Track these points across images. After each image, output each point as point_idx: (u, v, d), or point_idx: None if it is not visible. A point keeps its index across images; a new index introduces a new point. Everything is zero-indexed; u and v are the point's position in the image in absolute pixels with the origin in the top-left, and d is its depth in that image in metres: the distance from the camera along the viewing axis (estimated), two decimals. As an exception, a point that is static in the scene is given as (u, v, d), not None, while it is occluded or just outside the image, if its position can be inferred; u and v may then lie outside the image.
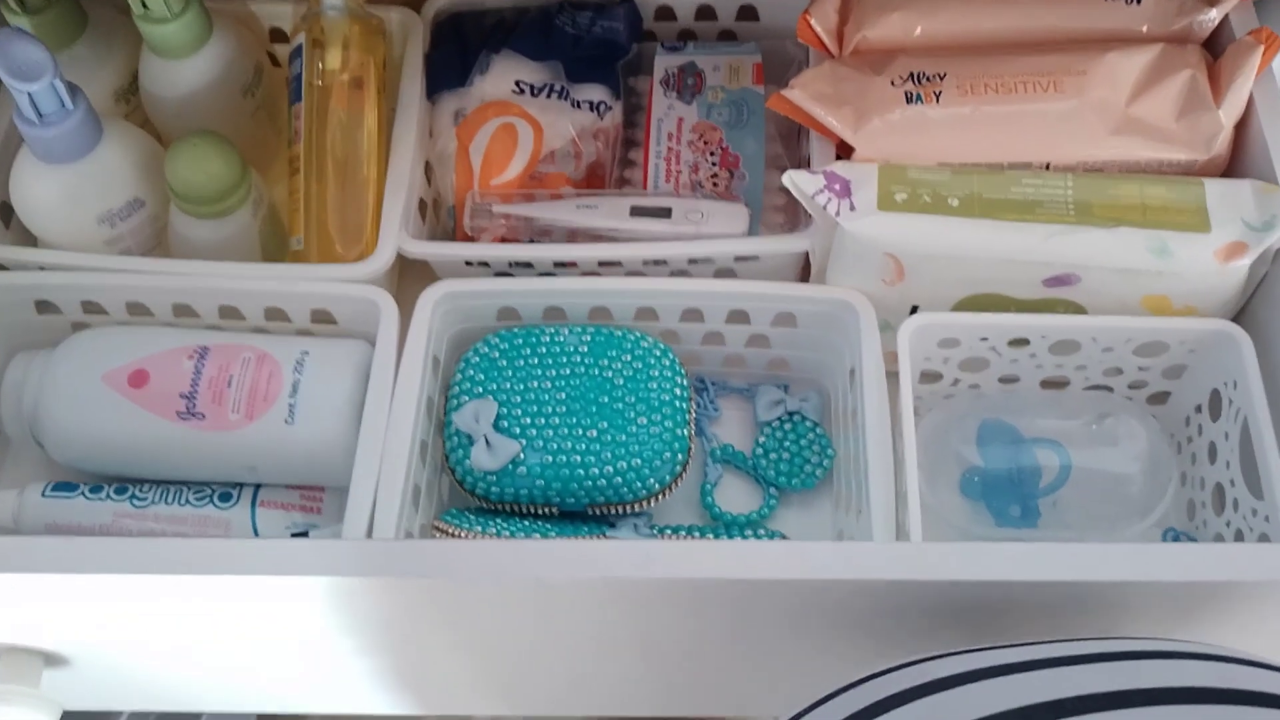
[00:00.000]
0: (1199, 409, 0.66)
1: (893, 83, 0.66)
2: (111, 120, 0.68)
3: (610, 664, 0.64)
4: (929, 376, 0.68)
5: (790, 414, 0.71)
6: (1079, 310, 0.64)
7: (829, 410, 0.71)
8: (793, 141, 0.75)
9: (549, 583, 0.47)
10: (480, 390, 0.66)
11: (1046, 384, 0.68)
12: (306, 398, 0.65)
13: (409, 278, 0.73)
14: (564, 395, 0.65)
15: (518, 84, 0.72)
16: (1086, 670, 0.39)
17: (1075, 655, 0.40)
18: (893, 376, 0.63)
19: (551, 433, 0.64)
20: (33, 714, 0.57)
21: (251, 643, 0.59)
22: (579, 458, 0.63)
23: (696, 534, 0.65)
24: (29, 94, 0.62)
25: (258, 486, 0.68)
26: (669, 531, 0.65)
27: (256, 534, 0.67)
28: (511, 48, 0.73)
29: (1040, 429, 0.66)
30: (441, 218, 0.74)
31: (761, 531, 0.66)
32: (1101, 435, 0.66)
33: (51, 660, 0.59)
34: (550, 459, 0.63)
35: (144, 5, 0.67)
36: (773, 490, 0.69)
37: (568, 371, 0.66)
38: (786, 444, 0.70)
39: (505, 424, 0.65)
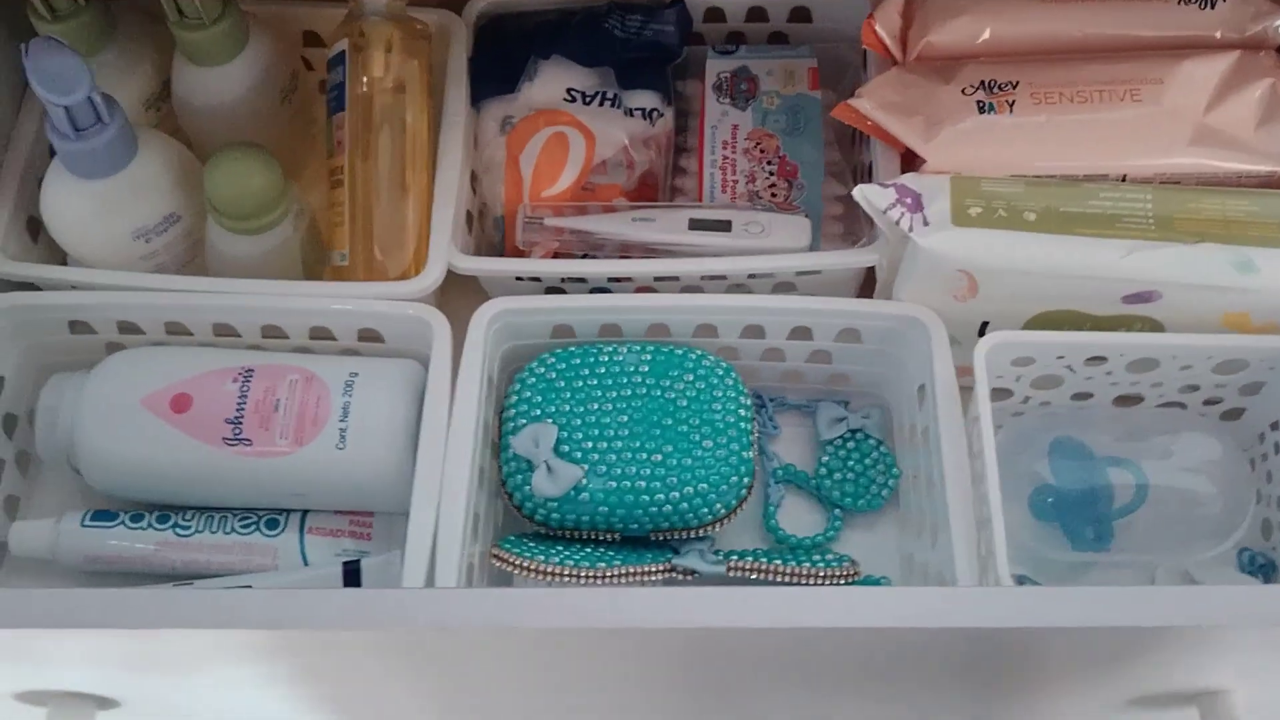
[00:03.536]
0: (1275, 425, 0.65)
1: (964, 91, 0.64)
2: (146, 131, 0.66)
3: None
4: (999, 393, 0.66)
5: (853, 432, 0.69)
6: (1156, 326, 0.63)
7: (890, 427, 0.69)
8: (849, 147, 0.73)
9: (644, 630, 0.45)
10: (538, 413, 0.63)
11: (1119, 401, 0.66)
12: (358, 422, 0.63)
13: (448, 292, 0.70)
14: (626, 418, 0.63)
15: (569, 91, 0.69)
16: None
17: None
18: (963, 389, 0.61)
19: (615, 457, 0.62)
20: (87, 762, 0.54)
21: (311, 679, 0.57)
22: (644, 483, 0.61)
23: (764, 559, 0.62)
24: (65, 108, 0.59)
25: (305, 512, 0.65)
26: (735, 557, 0.63)
27: (306, 562, 0.64)
28: (561, 53, 0.70)
29: (1113, 447, 0.65)
30: (487, 229, 0.72)
31: (830, 555, 0.64)
32: (1178, 454, 0.64)
33: (103, 703, 0.56)
34: (614, 485, 0.61)
35: (179, 11, 0.65)
36: (837, 512, 0.67)
37: (628, 393, 0.64)
38: (850, 463, 0.68)
39: (566, 448, 0.62)
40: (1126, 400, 0.66)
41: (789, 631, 0.45)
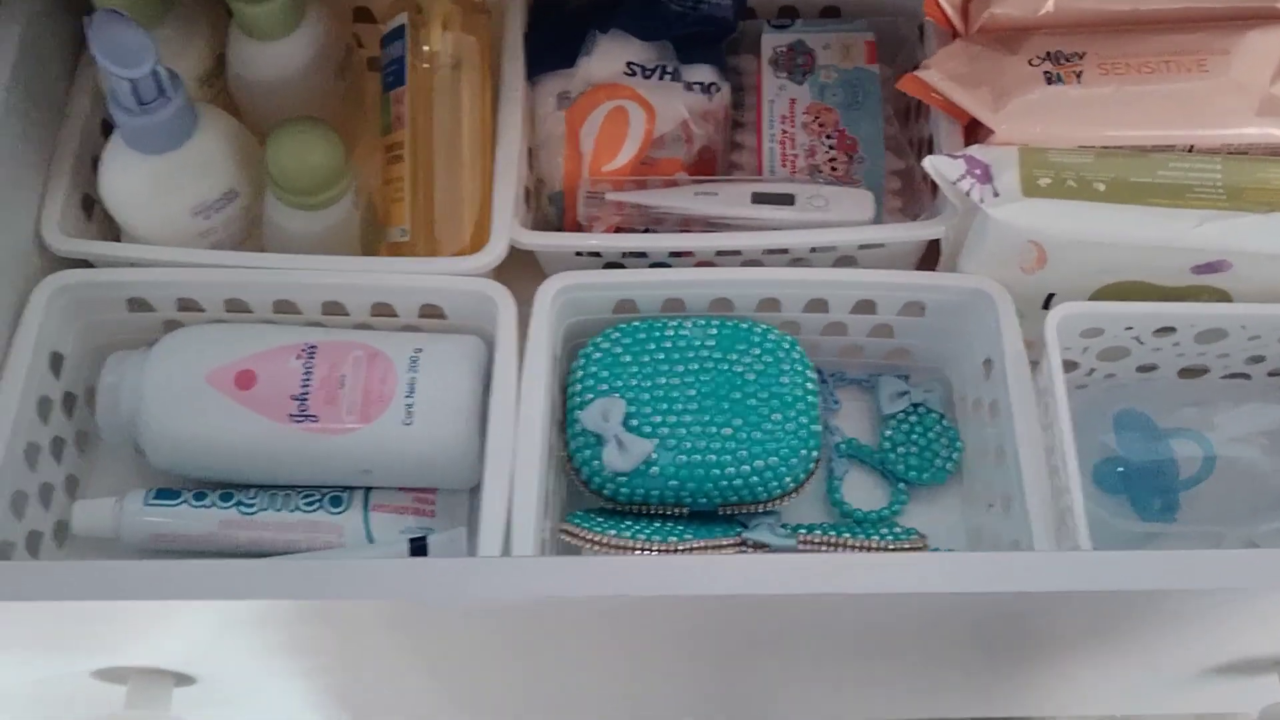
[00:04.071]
0: (1338, 396, 0.65)
1: (1030, 62, 0.63)
2: (205, 106, 0.65)
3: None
4: (1065, 366, 0.65)
5: (914, 406, 0.69)
6: (1224, 296, 0.63)
7: (951, 401, 0.69)
8: (905, 122, 0.72)
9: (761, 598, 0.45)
10: (605, 387, 0.63)
11: (1184, 373, 0.66)
12: (424, 397, 0.62)
13: (503, 268, 0.70)
14: (694, 391, 0.63)
15: (629, 65, 0.69)
16: None
17: None
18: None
19: (684, 431, 0.62)
20: (167, 739, 0.54)
21: (388, 657, 0.57)
22: (714, 457, 0.61)
23: (834, 533, 0.62)
24: (130, 81, 0.59)
25: (368, 490, 0.65)
26: (804, 530, 0.63)
27: (371, 539, 0.64)
28: (620, 27, 0.69)
29: (1178, 419, 0.65)
30: (542, 205, 0.71)
31: (897, 529, 0.64)
32: (1243, 425, 0.64)
33: (181, 679, 0.56)
34: (684, 459, 0.61)
35: (240, -15, 0.64)
36: (901, 485, 0.67)
37: (696, 366, 0.63)
38: (914, 437, 0.68)
39: (635, 422, 0.62)
40: (1191, 372, 0.66)
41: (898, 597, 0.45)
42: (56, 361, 0.65)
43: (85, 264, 0.66)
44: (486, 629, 0.50)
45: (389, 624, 0.48)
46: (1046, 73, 0.63)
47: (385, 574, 0.44)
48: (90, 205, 0.68)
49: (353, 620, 0.47)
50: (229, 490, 0.64)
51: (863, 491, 0.68)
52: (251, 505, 0.64)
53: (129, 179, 0.64)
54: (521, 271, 0.68)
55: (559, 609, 0.45)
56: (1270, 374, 0.66)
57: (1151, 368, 0.66)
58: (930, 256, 0.67)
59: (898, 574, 0.43)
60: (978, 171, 0.61)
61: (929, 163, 0.61)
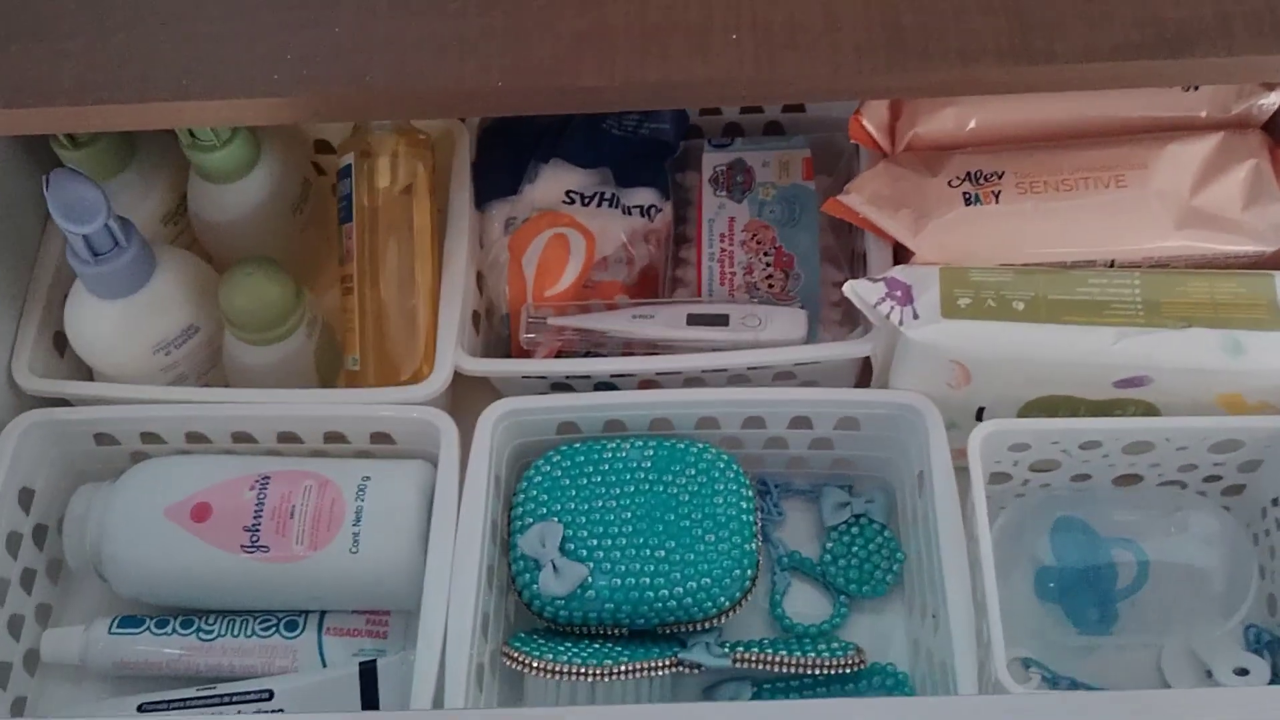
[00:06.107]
0: (1276, 501, 0.65)
1: (950, 183, 0.65)
2: (163, 248, 0.68)
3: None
4: (998, 477, 0.67)
5: (856, 517, 0.70)
6: (1151, 409, 0.63)
7: (894, 509, 0.70)
8: (844, 233, 0.74)
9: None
10: (544, 511, 0.65)
11: (1119, 480, 0.67)
12: (371, 525, 0.65)
13: (462, 386, 0.72)
14: (629, 514, 0.64)
15: (568, 194, 0.71)
16: None
17: None
18: (961, 472, 0.62)
19: (619, 554, 0.63)
20: None
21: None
22: (648, 579, 0.63)
23: (770, 650, 0.63)
24: (84, 236, 0.62)
25: (323, 613, 0.67)
26: (741, 648, 0.64)
27: (324, 663, 0.66)
28: (559, 156, 0.72)
29: (1115, 526, 0.65)
30: (495, 326, 0.74)
31: (835, 644, 0.65)
32: (1179, 531, 0.65)
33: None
34: (619, 581, 0.63)
35: (192, 135, 0.67)
36: (843, 598, 0.68)
37: (632, 489, 0.65)
38: (855, 549, 0.69)
39: (571, 546, 0.64)
40: (1126, 480, 0.67)
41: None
42: (26, 497, 0.68)
43: (58, 400, 0.70)
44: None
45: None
46: (965, 194, 0.64)
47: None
48: (63, 343, 0.72)
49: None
50: (189, 617, 0.67)
51: (806, 603, 0.69)
52: (211, 631, 0.66)
53: (91, 323, 0.67)
54: (481, 393, 0.70)
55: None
56: (1205, 480, 0.66)
57: (1085, 477, 0.67)
58: (870, 368, 0.69)
59: None
60: (898, 293, 0.63)
61: (849, 288, 0.63)
